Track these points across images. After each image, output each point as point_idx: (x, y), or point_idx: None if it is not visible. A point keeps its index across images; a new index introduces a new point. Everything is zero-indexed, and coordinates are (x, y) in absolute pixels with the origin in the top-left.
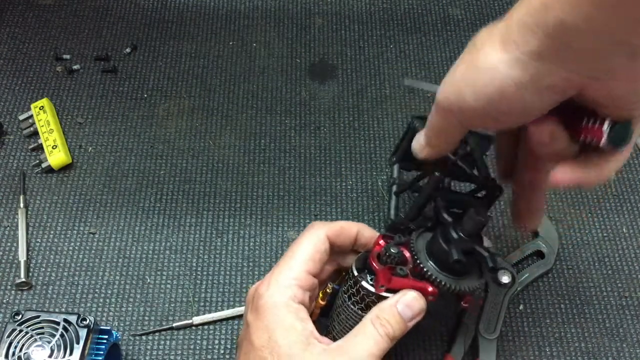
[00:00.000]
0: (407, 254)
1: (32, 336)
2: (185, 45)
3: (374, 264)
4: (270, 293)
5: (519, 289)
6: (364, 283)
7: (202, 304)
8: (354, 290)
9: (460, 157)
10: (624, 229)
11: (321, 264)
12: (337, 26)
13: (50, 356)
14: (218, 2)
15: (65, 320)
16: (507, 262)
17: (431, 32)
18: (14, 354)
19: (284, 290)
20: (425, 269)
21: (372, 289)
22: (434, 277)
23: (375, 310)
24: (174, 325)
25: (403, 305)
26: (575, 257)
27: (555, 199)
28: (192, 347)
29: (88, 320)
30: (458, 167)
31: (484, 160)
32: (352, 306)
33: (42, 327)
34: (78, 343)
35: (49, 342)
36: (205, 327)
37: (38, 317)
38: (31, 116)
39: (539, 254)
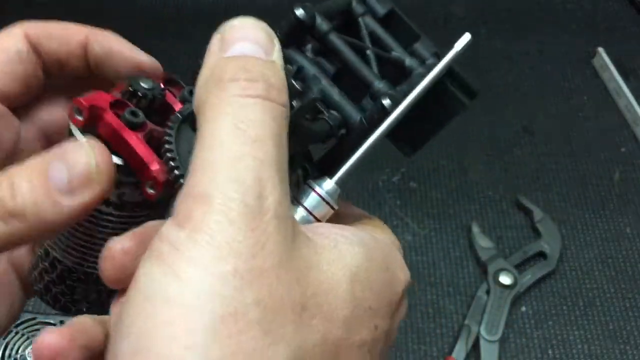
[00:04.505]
0: (176, 104)
1: (28, 338)
2: (183, 45)
3: (100, 100)
4: None
5: (521, 290)
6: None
7: None
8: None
9: None
10: (627, 230)
11: (14, 81)
12: None
13: None
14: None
15: (62, 322)
16: (509, 264)
17: (432, 30)
18: (10, 356)
19: None
20: (168, 135)
21: (77, 134)
22: (172, 153)
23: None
24: None
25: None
26: (578, 258)
27: (558, 199)
28: None
29: None
30: None
31: None
32: None
33: (38, 329)
34: None
35: None
36: None
37: (34, 319)
38: None
39: (542, 255)
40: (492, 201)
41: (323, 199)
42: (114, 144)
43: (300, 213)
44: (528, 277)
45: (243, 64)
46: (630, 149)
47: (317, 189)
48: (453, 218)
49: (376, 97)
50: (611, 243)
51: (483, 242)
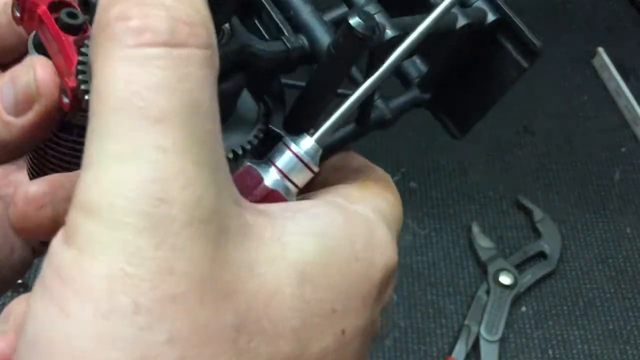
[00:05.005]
0: None
1: None
2: None
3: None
4: None
5: (521, 290)
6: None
7: None
8: None
9: None
10: (627, 230)
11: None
12: None
13: None
14: None
15: None
16: (509, 264)
17: None
18: None
19: None
20: (85, 49)
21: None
22: (83, 66)
23: None
24: None
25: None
26: (579, 258)
27: (559, 199)
28: None
29: None
30: None
31: None
32: None
33: None
34: None
35: None
36: None
37: None
38: None
39: (542, 255)
40: (492, 201)
41: (301, 160)
42: (47, 47)
43: (272, 176)
44: (528, 277)
45: None
46: (630, 149)
47: (294, 147)
48: (453, 218)
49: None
50: (611, 243)
51: (483, 242)
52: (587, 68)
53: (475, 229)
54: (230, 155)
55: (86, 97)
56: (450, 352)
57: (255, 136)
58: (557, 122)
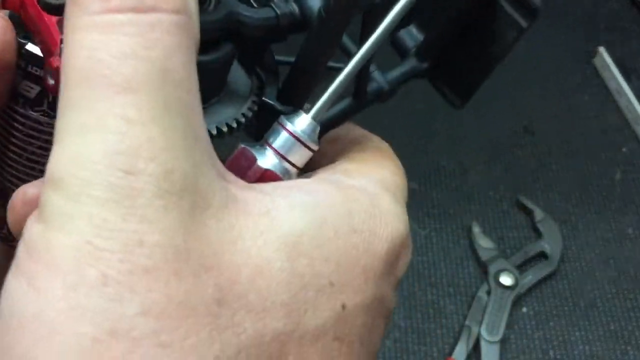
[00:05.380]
0: None
1: None
2: None
3: None
4: None
5: (522, 291)
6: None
7: None
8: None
9: None
10: (629, 230)
11: None
12: None
13: None
14: None
15: None
16: (510, 264)
17: None
18: None
19: None
20: None
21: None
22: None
23: None
24: None
25: None
26: (580, 259)
27: (559, 199)
28: None
29: None
30: None
31: None
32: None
33: None
34: None
35: None
36: None
37: None
38: None
39: (543, 256)
40: (492, 201)
41: (298, 139)
42: (30, 28)
43: (270, 159)
44: (529, 278)
45: None
46: (631, 149)
47: (289, 126)
48: (453, 218)
49: None
50: (613, 243)
51: (484, 243)
52: (588, 68)
53: (476, 229)
54: (225, 129)
55: None
56: (450, 353)
57: (250, 109)
58: (558, 122)
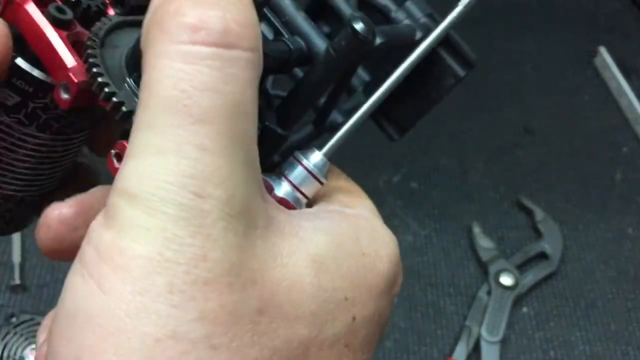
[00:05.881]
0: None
1: (26, 339)
2: None
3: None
4: None
5: (522, 291)
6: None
7: None
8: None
9: None
10: (629, 230)
11: None
12: None
13: None
14: None
15: None
16: (510, 264)
17: None
18: (8, 356)
19: None
20: (91, 43)
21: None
22: (96, 60)
23: None
24: None
25: None
26: (580, 259)
27: (560, 199)
28: None
29: None
30: None
31: None
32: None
33: (36, 330)
34: None
35: None
36: None
37: (33, 319)
38: None
39: (543, 256)
40: (492, 201)
41: (311, 173)
42: (31, 42)
43: (284, 188)
44: (529, 278)
45: None
46: (631, 149)
47: (305, 162)
48: (454, 218)
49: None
50: (613, 243)
51: (484, 243)
52: (588, 68)
53: (476, 229)
54: None
55: (106, 89)
56: (451, 353)
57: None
58: (558, 122)
